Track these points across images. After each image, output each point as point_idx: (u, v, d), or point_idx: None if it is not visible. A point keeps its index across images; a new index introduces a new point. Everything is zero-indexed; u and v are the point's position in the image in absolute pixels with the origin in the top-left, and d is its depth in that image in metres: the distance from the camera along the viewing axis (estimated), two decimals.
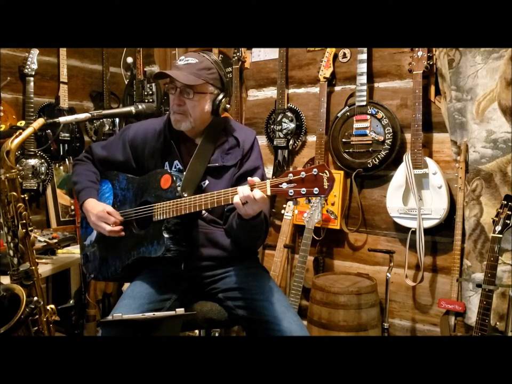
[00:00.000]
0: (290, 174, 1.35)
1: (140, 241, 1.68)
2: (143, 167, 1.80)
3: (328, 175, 1.32)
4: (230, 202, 1.46)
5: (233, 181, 1.72)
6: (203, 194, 1.54)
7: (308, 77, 2.87)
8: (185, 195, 1.60)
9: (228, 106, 1.77)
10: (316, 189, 1.32)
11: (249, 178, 1.44)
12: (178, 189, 1.62)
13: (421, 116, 2.34)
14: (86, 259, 1.88)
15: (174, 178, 1.63)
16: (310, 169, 1.33)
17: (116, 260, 1.76)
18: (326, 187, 1.31)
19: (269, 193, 1.38)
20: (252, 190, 1.39)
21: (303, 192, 1.33)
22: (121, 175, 1.83)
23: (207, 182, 1.72)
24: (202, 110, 1.69)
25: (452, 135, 2.37)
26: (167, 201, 1.61)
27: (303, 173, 1.34)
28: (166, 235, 1.60)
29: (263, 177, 1.72)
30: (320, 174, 1.32)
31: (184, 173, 1.68)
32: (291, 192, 1.35)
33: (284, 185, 1.36)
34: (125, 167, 1.84)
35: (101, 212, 1.71)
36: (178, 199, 1.58)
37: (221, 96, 1.71)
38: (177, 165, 1.75)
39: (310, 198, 2.48)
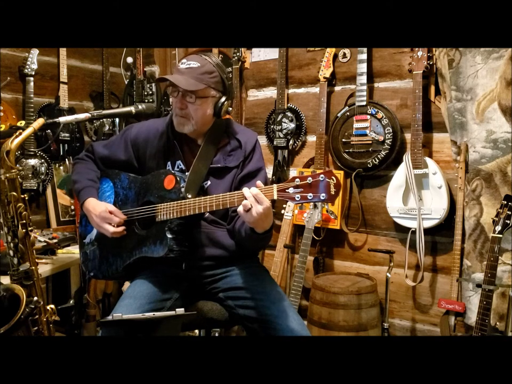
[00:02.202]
0: (297, 179, 1.36)
1: (142, 241, 1.68)
2: (145, 166, 1.80)
3: (334, 181, 1.34)
4: (236, 205, 1.46)
5: (235, 182, 1.72)
6: (208, 197, 1.54)
7: (308, 77, 2.87)
8: (189, 196, 1.60)
9: (230, 109, 1.77)
10: (323, 194, 1.34)
11: (258, 182, 1.45)
12: (182, 190, 1.62)
13: (421, 115, 2.34)
14: (85, 257, 1.88)
15: (178, 179, 1.63)
16: (317, 175, 1.35)
17: (117, 258, 1.76)
18: (333, 193, 1.34)
19: (275, 197, 1.39)
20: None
21: (310, 198, 1.35)
22: (122, 174, 1.83)
23: (209, 182, 1.72)
24: (204, 113, 1.69)
25: (452, 135, 2.37)
26: (171, 202, 1.61)
27: (309, 178, 1.35)
28: (169, 235, 1.60)
29: (265, 179, 1.74)
30: (327, 180, 1.34)
31: (187, 174, 1.68)
32: (297, 197, 1.36)
33: (291, 190, 1.37)
34: (126, 166, 1.84)
35: (104, 212, 1.70)
36: (183, 200, 1.58)
37: (223, 99, 1.71)
38: (180, 165, 1.75)
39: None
